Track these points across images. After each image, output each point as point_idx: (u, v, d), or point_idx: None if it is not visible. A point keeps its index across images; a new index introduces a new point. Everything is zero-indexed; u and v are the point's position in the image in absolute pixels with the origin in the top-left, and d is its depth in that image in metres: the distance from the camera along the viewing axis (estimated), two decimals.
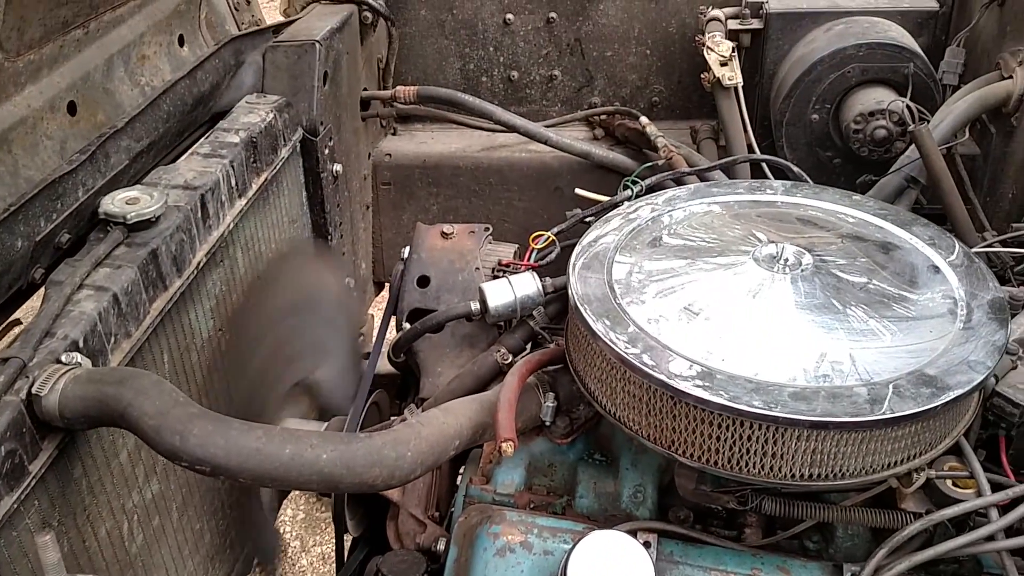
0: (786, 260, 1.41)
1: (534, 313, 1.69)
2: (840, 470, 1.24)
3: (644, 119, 2.39)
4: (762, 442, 1.22)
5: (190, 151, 1.77)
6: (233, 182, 1.70)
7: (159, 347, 1.48)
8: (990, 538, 1.27)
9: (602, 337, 1.32)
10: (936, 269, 1.43)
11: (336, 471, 1.17)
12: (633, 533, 1.33)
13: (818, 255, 1.42)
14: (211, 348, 1.63)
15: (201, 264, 1.58)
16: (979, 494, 1.30)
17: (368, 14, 2.39)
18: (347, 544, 1.91)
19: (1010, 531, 1.29)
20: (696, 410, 1.24)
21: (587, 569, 1.24)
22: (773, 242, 1.45)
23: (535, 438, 1.59)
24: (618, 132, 2.49)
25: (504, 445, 1.29)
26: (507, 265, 1.81)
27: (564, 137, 2.41)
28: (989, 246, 1.73)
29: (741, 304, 1.36)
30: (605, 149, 2.43)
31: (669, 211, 1.63)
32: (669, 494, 1.49)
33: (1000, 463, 1.38)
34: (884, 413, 1.17)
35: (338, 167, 2.20)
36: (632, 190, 2.00)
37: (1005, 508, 1.29)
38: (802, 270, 1.40)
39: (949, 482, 1.33)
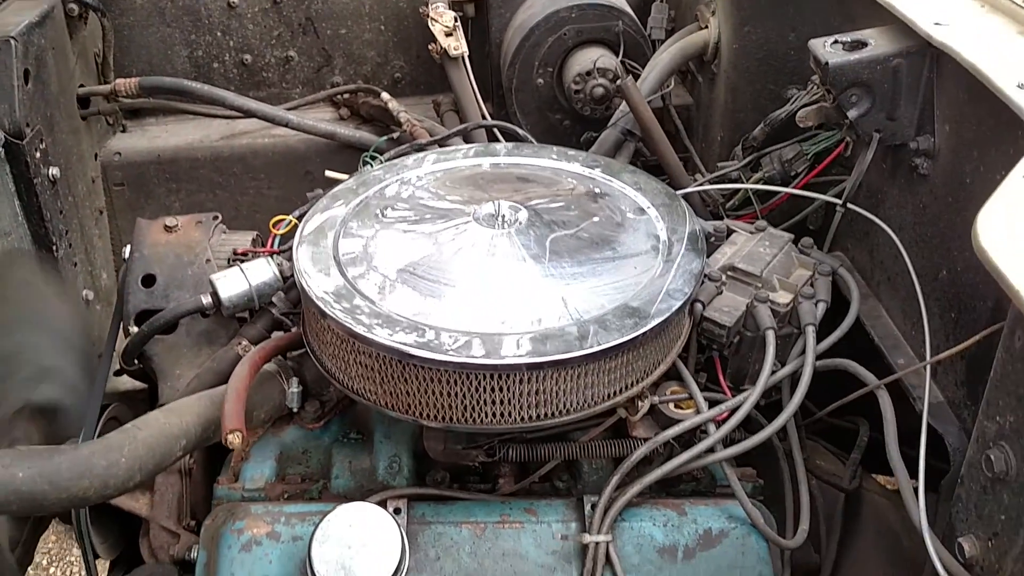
0: (503, 217, 1.45)
1: (274, 300, 1.64)
2: (564, 406, 1.29)
3: (385, 95, 2.38)
4: (489, 391, 1.25)
5: None
6: None
7: None
8: (712, 452, 1.37)
9: (327, 311, 1.30)
10: (642, 211, 1.52)
11: (38, 488, 1.08)
12: (384, 503, 1.33)
13: (534, 209, 1.47)
14: None
15: None
16: (698, 413, 1.40)
17: (74, 6, 2.22)
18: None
19: (729, 443, 1.40)
20: (424, 370, 1.25)
21: (332, 545, 1.22)
22: (491, 201, 1.48)
23: (286, 427, 1.55)
24: (363, 110, 2.46)
25: (230, 436, 1.24)
26: (244, 254, 1.74)
27: (306, 119, 2.35)
28: (700, 186, 1.87)
29: (462, 263, 1.38)
30: (351, 128, 2.40)
31: (395, 180, 1.63)
32: (425, 460, 1.50)
33: (719, 383, 1.50)
34: (592, 347, 1.23)
35: (55, 171, 2.03)
36: (372, 165, 1.98)
37: (724, 422, 1.39)
38: (519, 224, 1.44)
39: (672, 405, 1.43)
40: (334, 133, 2.35)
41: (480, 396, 1.26)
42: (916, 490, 1.13)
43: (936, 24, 1.33)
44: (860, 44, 1.44)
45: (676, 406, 1.43)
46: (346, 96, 2.50)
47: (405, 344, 1.24)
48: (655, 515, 1.37)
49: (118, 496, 1.19)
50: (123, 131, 2.46)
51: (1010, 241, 0.93)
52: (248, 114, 2.30)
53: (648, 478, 1.34)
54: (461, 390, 1.26)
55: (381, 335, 1.25)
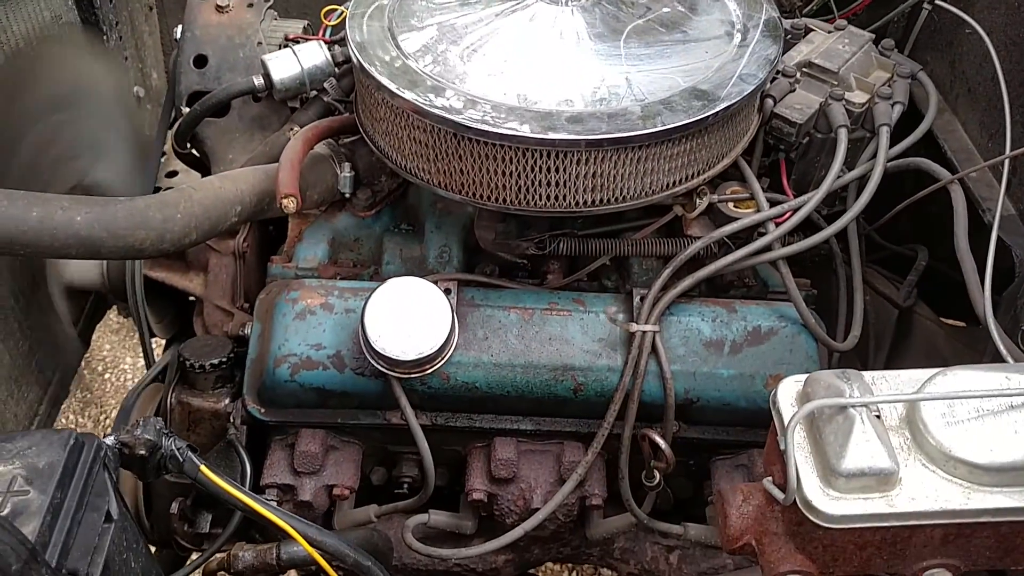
0: None
1: (326, 86, 1.60)
2: (621, 193, 1.26)
3: None
4: (544, 171, 1.22)
5: None
6: None
7: None
8: (769, 251, 1.34)
9: (382, 82, 1.26)
10: None
11: (95, 234, 1.09)
12: (435, 284, 1.33)
13: None
14: None
15: None
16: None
17: None
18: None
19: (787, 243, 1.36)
20: (479, 145, 1.22)
21: (385, 313, 1.24)
22: None
23: (338, 214, 1.55)
24: None
25: (285, 200, 1.23)
26: (295, 40, 1.69)
27: None
28: None
29: (521, 38, 1.32)
30: None
31: None
32: (476, 254, 1.49)
33: (782, 187, 1.45)
34: (655, 127, 1.18)
35: None
36: None
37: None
38: (584, 1, 1.36)
39: (731, 204, 1.39)
40: None
41: (535, 176, 1.23)
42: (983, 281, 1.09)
43: None
44: None
45: (735, 206, 1.39)
46: None
47: (460, 116, 1.20)
48: (704, 311, 1.36)
49: (173, 251, 1.20)
50: None
51: None
52: None
53: (701, 272, 1.32)
54: (516, 168, 1.23)
55: (436, 107, 1.21)
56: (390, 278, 1.29)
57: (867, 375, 0.84)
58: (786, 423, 0.79)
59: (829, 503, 0.77)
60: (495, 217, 1.42)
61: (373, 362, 1.26)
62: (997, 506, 0.77)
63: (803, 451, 0.80)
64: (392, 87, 1.24)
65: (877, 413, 0.79)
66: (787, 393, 0.84)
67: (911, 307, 1.59)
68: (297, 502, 1.37)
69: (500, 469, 1.36)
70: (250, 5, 1.68)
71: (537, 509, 1.34)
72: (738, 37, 1.34)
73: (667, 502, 1.47)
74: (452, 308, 1.28)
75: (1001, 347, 0.98)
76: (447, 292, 1.33)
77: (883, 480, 0.77)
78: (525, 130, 1.18)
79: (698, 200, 1.37)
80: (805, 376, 0.83)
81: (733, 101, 1.22)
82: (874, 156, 1.38)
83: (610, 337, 1.33)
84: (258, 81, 1.55)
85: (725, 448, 1.39)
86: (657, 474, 1.33)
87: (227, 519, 1.38)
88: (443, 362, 1.29)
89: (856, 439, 0.76)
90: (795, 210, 1.34)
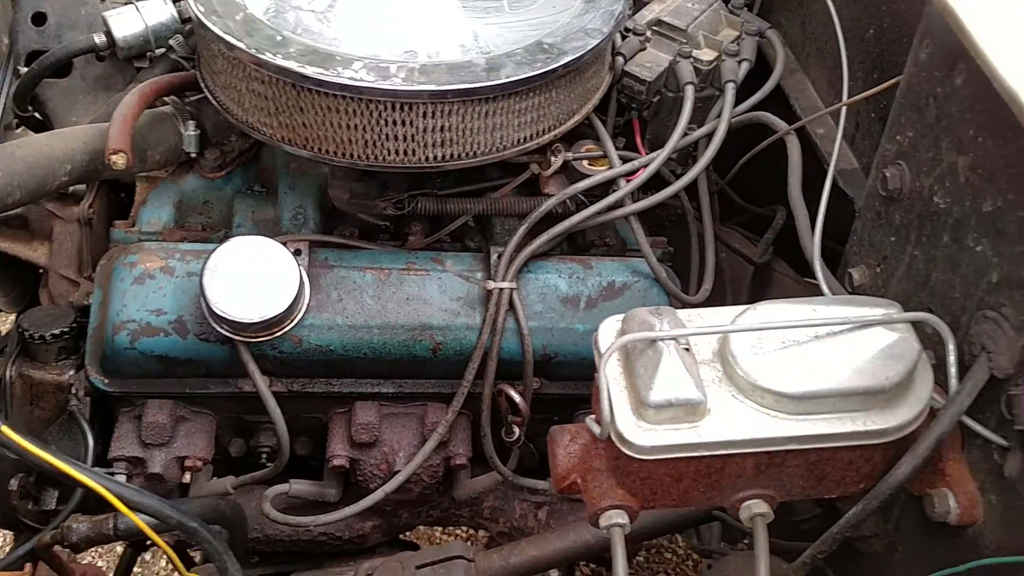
0: None
1: (173, 44, 1.53)
2: (471, 148, 1.25)
3: None
4: (391, 123, 1.20)
5: None
6: None
7: None
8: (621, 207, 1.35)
9: (218, 32, 1.21)
10: None
11: None
12: (285, 245, 1.30)
13: None
14: None
15: None
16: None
17: None
18: None
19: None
20: (320, 96, 1.18)
21: (227, 273, 1.20)
22: None
23: (185, 175, 1.48)
24: None
25: (113, 157, 1.17)
26: None
27: None
28: None
29: None
30: None
31: None
32: (334, 216, 1.46)
33: (636, 146, 1.46)
34: (499, 79, 1.17)
35: None
36: None
37: None
38: None
39: (585, 162, 1.40)
40: None
41: (382, 129, 1.21)
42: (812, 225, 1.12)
43: None
44: None
45: (590, 164, 1.40)
46: None
47: (298, 66, 1.16)
48: (561, 268, 1.37)
49: None
50: None
51: None
52: None
53: (555, 228, 1.33)
54: (361, 121, 1.20)
55: (273, 57, 1.17)
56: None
57: (683, 313, 0.85)
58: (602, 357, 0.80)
59: (640, 434, 0.78)
60: (350, 176, 1.39)
61: (216, 326, 1.21)
62: (802, 433, 0.80)
63: (619, 386, 0.81)
64: (228, 37, 1.19)
65: (687, 346, 0.81)
66: (607, 331, 0.85)
67: (768, 264, 1.63)
68: (147, 475, 1.32)
69: (361, 433, 1.34)
70: None
71: None
72: None
73: (532, 460, 1.48)
74: (301, 268, 1.25)
75: (823, 283, 1.01)
76: (297, 253, 1.30)
77: (691, 410, 0.78)
78: (366, 80, 1.15)
79: (553, 158, 1.37)
80: (623, 315, 0.85)
81: (577, 55, 1.22)
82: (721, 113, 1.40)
83: (468, 296, 1.33)
84: (99, 39, 1.47)
85: (585, 403, 1.40)
86: (516, 429, 1.33)
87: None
88: (293, 325, 1.26)
89: (663, 371, 0.77)
90: (645, 167, 1.36)
